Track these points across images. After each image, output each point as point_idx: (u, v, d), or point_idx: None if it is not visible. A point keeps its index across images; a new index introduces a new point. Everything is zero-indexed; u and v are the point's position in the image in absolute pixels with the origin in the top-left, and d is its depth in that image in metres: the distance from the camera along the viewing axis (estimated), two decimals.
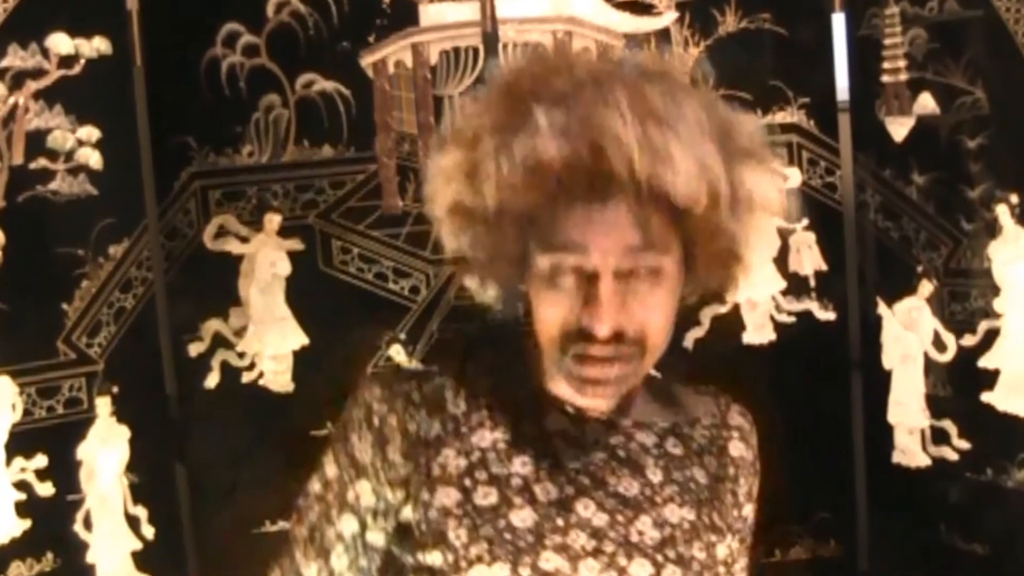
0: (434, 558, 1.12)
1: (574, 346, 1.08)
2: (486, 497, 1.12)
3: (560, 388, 1.17)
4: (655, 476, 1.17)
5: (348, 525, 1.19)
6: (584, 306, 1.06)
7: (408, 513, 1.14)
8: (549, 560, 1.10)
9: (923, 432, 2.35)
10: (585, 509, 1.13)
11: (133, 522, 2.31)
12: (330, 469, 1.20)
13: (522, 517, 1.11)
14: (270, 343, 2.40)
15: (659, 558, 1.12)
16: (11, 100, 2.17)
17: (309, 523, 1.21)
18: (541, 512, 1.12)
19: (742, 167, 1.08)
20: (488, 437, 1.16)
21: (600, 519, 1.12)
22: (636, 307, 1.07)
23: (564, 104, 1.04)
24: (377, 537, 1.19)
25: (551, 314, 1.09)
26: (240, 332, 2.41)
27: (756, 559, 2.49)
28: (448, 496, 1.12)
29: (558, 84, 1.06)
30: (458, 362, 1.23)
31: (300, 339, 2.41)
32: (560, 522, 1.11)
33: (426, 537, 1.12)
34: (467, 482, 1.13)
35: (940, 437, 2.32)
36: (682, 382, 1.32)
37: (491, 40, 2.38)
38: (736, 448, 1.25)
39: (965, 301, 2.27)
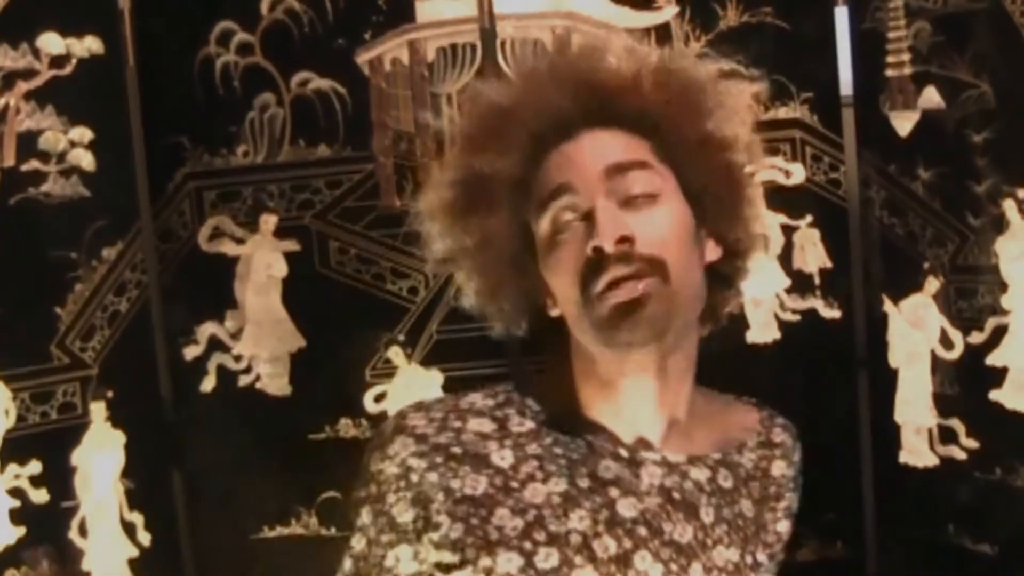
0: None
1: (593, 283, 1.07)
2: (547, 559, 1.08)
3: (603, 413, 1.15)
4: (707, 517, 1.15)
5: None
6: (590, 240, 1.07)
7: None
8: None
9: (930, 431, 2.33)
10: (642, 561, 1.10)
11: (129, 529, 2.30)
12: (371, 529, 1.16)
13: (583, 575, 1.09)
14: (267, 346, 2.39)
15: None
16: (2, 101, 2.15)
17: None
18: (602, 570, 1.09)
19: (700, 106, 1.15)
20: (541, 491, 1.11)
21: (656, 571, 1.11)
22: (640, 221, 1.08)
23: (533, 73, 1.17)
24: None
25: (565, 268, 1.09)
26: (236, 335, 2.40)
27: None
28: (510, 562, 1.08)
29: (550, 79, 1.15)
30: (491, 404, 1.19)
31: (297, 341, 2.40)
32: None
33: None
34: (527, 545, 1.09)
35: (948, 436, 2.30)
36: (720, 392, 1.30)
37: (489, 37, 2.37)
38: (778, 468, 1.24)
39: (972, 298, 2.25)
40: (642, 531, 1.12)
